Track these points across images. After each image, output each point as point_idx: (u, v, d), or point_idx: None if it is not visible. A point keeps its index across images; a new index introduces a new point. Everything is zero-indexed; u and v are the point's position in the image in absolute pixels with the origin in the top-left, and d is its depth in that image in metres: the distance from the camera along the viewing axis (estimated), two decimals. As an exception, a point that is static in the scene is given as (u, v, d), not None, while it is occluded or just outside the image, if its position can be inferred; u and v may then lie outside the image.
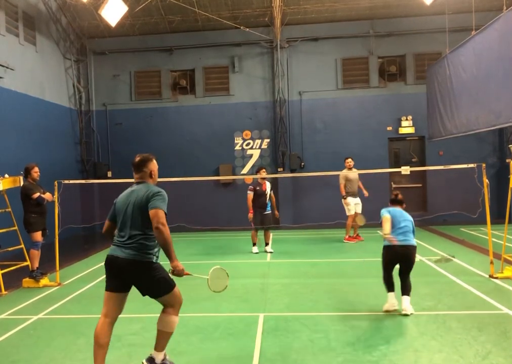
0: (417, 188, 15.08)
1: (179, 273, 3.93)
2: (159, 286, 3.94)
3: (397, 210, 6.05)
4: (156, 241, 3.87)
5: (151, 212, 3.78)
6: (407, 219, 5.90)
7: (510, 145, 9.34)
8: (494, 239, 7.93)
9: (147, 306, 6.35)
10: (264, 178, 10.20)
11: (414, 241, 5.78)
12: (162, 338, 3.99)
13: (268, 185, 10.25)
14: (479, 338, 4.76)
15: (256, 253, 10.17)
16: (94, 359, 3.86)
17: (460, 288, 6.77)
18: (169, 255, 3.83)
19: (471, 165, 7.54)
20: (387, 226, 5.74)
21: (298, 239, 11.90)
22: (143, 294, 4.03)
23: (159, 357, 4.01)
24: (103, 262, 4.03)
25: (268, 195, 10.18)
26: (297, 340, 4.89)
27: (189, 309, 6.17)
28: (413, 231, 5.87)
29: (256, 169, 10.91)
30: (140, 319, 5.80)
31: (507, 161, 14.14)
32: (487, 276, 7.30)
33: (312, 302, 6.34)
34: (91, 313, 6.14)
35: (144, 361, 4.04)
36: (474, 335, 4.84)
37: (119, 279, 3.91)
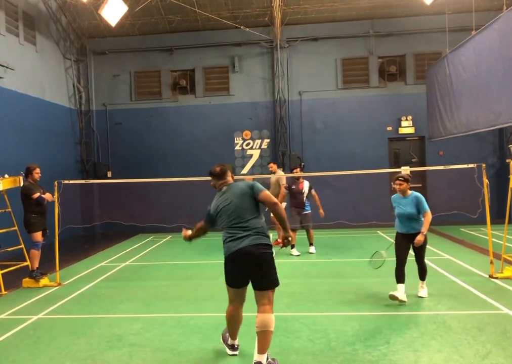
0: (417, 188, 14.91)
1: (290, 242, 4.28)
2: (274, 276, 4.17)
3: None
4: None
5: (262, 195, 4.19)
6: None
7: (510, 145, 9.34)
8: (494, 239, 7.93)
9: (148, 306, 6.38)
10: (300, 177, 10.02)
11: None
12: (265, 338, 4.03)
13: (306, 184, 10.00)
14: (479, 338, 4.76)
15: (298, 255, 9.76)
16: (232, 334, 4.50)
17: (460, 288, 6.77)
18: (285, 225, 4.19)
19: (471, 165, 7.54)
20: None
21: (298, 239, 11.88)
22: (257, 286, 4.14)
23: (263, 359, 4.02)
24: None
25: (305, 194, 9.94)
26: (297, 340, 4.89)
27: (189, 309, 6.18)
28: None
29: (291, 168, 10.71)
30: (140, 319, 5.81)
31: (507, 161, 14.14)
32: (487, 276, 7.30)
33: (312, 302, 6.34)
34: (91, 313, 6.16)
35: None
36: (474, 335, 4.84)
37: (243, 274, 4.17)
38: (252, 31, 14.70)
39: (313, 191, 10.08)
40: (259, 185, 4.28)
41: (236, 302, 4.32)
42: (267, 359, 4.08)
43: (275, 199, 4.23)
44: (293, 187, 9.94)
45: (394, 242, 6.29)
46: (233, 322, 4.40)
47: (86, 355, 4.68)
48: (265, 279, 4.11)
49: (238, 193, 4.24)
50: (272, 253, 4.18)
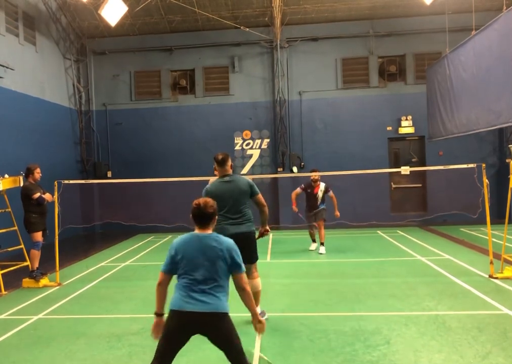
0: (417, 188, 15.08)
1: (267, 233, 5.55)
2: (256, 254, 5.39)
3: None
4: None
5: (256, 197, 5.37)
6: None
7: (510, 145, 9.34)
8: (494, 239, 7.92)
9: (148, 306, 6.36)
10: (317, 180, 9.93)
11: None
12: (257, 296, 5.30)
13: (321, 188, 9.93)
14: (479, 338, 4.75)
15: (311, 250, 10.30)
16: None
17: (460, 288, 6.77)
18: (266, 221, 5.50)
19: (471, 165, 7.53)
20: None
21: (298, 239, 11.90)
22: (248, 261, 4.96)
23: (258, 309, 5.03)
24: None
25: (319, 198, 9.91)
26: (297, 340, 4.89)
27: (189, 309, 6.17)
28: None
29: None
30: (140, 319, 5.80)
31: (507, 161, 14.14)
32: (487, 276, 7.29)
33: (312, 302, 6.33)
34: (91, 313, 6.15)
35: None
36: (474, 335, 4.84)
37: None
38: (252, 31, 14.70)
39: (330, 193, 10.00)
40: (256, 187, 5.37)
41: None
42: (260, 309, 5.35)
43: (265, 203, 5.44)
44: (309, 190, 9.97)
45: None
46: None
47: (86, 355, 4.68)
48: (253, 254, 5.35)
49: (241, 189, 5.24)
50: (254, 238, 5.37)
